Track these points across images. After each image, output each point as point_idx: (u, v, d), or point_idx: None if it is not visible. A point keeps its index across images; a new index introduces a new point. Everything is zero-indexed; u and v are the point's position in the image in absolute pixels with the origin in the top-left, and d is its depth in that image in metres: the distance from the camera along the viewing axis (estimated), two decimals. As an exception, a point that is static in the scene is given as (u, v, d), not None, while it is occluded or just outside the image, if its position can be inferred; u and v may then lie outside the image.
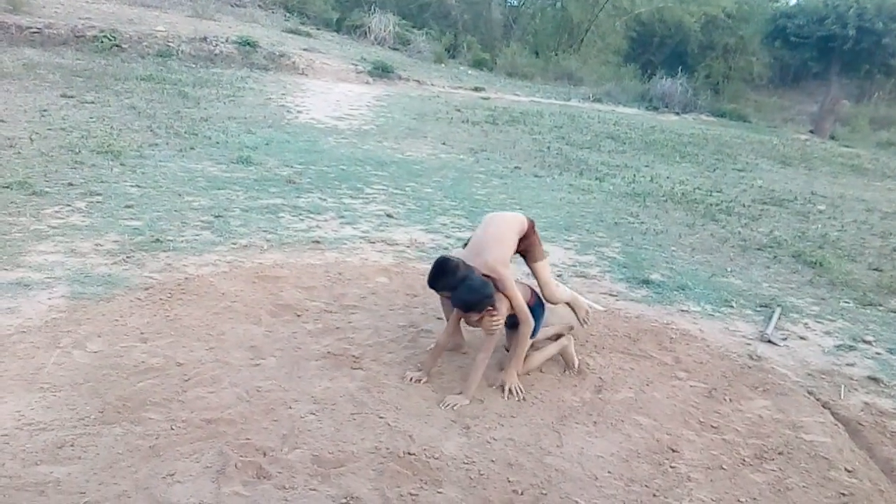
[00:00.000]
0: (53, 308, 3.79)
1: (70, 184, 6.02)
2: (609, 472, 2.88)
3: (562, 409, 3.32)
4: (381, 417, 3.06)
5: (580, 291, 4.90)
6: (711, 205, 8.32)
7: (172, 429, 2.81)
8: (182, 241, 5.05)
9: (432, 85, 17.43)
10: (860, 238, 7.58)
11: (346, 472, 2.66)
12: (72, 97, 9.76)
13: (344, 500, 2.53)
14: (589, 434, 3.15)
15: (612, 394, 3.53)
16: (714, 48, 26.83)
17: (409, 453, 2.81)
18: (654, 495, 2.78)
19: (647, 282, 5.35)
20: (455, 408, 3.23)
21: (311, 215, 6.09)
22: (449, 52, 22.91)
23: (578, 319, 4.03)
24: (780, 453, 3.14)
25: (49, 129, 7.79)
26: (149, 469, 2.56)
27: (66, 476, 2.48)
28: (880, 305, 5.45)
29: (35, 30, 13.31)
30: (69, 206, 5.51)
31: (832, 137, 20.12)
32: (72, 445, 2.64)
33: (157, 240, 4.99)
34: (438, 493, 2.64)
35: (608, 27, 26.99)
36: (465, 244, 3.77)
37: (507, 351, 3.70)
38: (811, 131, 21.04)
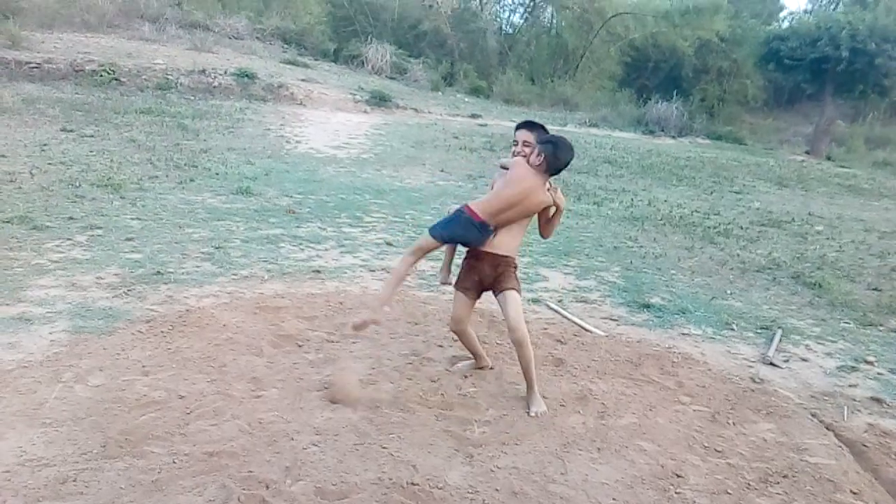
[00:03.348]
0: (55, 342, 3.79)
1: (70, 218, 6.06)
2: (614, 498, 2.85)
3: (565, 436, 3.31)
4: (383, 448, 3.04)
5: (581, 317, 4.92)
6: (709, 227, 8.35)
7: (175, 462, 2.79)
8: (183, 273, 5.06)
9: (430, 113, 17.58)
10: (858, 258, 7.59)
11: (349, 504, 2.64)
12: (71, 131, 9.85)
13: (348, 533, 2.51)
14: (593, 461, 3.13)
15: (615, 419, 3.52)
16: (708, 72, 27.05)
17: (413, 483, 2.79)
18: (660, 522, 2.76)
19: (647, 306, 5.35)
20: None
21: (311, 245, 6.11)
22: (446, 80, 23.10)
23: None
24: (784, 476, 3.12)
25: (49, 164, 7.85)
26: (151, 504, 2.54)
27: (69, 512, 2.46)
28: (881, 325, 5.45)
29: (34, 65, 13.46)
30: (70, 239, 5.53)
31: (828, 158, 20.25)
32: (74, 481, 2.63)
33: (158, 272, 5.00)
34: (443, 523, 2.62)
35: (603, 53, 27.25)
36: None
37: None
38: (807, 152, 21.16)
